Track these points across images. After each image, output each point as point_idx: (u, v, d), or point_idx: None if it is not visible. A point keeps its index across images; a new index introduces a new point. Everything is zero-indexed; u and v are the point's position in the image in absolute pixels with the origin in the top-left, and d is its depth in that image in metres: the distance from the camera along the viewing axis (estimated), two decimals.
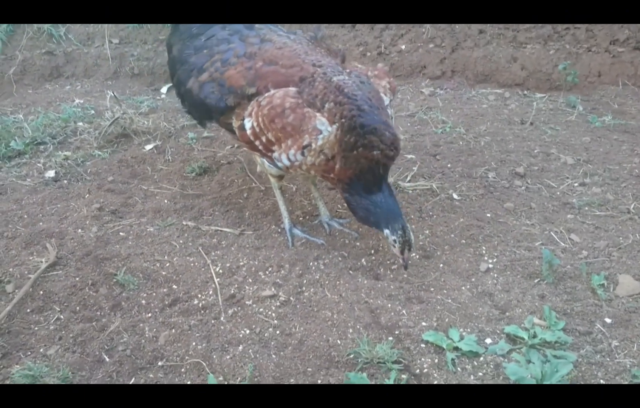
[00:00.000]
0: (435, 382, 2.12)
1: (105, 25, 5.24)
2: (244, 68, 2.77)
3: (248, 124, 2.71)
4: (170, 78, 3.25)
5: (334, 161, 2.59)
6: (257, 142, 2.72)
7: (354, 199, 2.66)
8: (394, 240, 2.58)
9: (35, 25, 5.19)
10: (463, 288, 2.63)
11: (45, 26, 5.18)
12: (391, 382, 2.11)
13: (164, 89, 5.11)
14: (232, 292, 2.62)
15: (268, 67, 2.73)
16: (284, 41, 2.87)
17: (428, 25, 5.20)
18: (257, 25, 2.99)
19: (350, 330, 2.37)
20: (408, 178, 3.52)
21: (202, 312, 2.52)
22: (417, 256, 2.85)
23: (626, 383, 2.09)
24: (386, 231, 2.60)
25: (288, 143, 2.60)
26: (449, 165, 3.69)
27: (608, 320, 2.40)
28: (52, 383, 2.11)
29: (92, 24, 5.24)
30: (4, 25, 5.14)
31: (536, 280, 2.66)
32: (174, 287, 2.67)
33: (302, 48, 2.84)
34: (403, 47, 5.28)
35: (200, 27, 3.04)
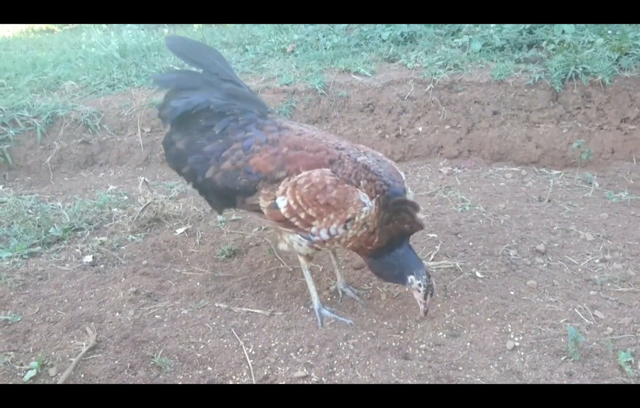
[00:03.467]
0: None
1: (138, 114, 5.57)
2: (269, 154, 2.96)
3: (282, 202, 2.87)
4: (177, 170, 3.26)
5: (375, 235, 2.84)
6: (293, 219, 2.89)
7: (379, 261, 2.93)
8: (419, 284, 2.83)
9: (73, 117, 5.52)
10: (491, 366, 2.68)
11: (82, 118, 5.51)
12: None
13: None
14: (265, 373, 2.70)
15: (295, 152, 2.93)
16: (300, 129, 3.10)
17: (443, 108, 5.43)
18: (268, 115, 3.24)
19: None
20: (431, 257, 3.63)
21: None
22: (445, 335, 2.92)
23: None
24: (411, 277, 2.84)
25: (330, 217, 2.80)
26: (470, 244, 3.79)
27: None
28: None
29: (125, 115, 5.57)
30: (44, 117, 5.48)
31: (563, 358, 2.70)
32: (209, 368, 2.75)
33: (319, 134, 3.09)
34: (420, 128, 5.50)
35: (209, 119, 3.12)
